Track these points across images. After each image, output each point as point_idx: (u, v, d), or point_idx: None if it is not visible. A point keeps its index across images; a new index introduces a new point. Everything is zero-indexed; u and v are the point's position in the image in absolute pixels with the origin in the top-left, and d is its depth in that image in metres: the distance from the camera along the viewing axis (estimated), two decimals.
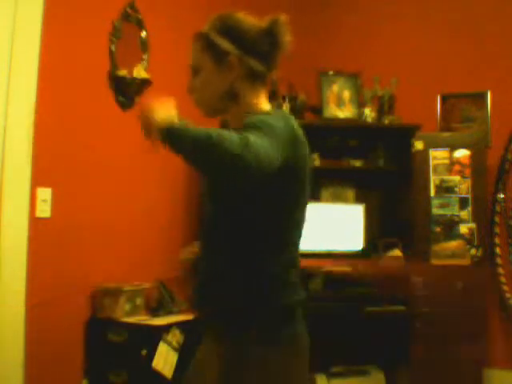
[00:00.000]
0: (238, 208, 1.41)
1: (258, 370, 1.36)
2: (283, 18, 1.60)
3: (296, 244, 1.48)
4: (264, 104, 1.57)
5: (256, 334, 1.37)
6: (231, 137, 1.20)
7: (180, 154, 1.25)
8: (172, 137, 1.25)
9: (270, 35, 1.56)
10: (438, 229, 3.54)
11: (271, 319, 1.39)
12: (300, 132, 1.55)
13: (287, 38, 1.61)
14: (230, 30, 1.51)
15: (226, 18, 1.54)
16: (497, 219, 3.71)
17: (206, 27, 1.53)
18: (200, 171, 1.35)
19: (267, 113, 1.53)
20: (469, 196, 3.55)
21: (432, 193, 3.57)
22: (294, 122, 1.54)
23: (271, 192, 1.38)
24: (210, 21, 1.54)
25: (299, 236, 1.48)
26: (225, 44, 1.49)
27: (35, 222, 2.56)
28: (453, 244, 3.53)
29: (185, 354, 2.77)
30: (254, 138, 1.23)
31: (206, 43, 1.51)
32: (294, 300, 1.43)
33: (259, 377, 1.36)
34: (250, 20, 1.56)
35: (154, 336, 2.70)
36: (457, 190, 3.56)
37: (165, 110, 1.32)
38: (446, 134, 3.77)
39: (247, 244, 1.41)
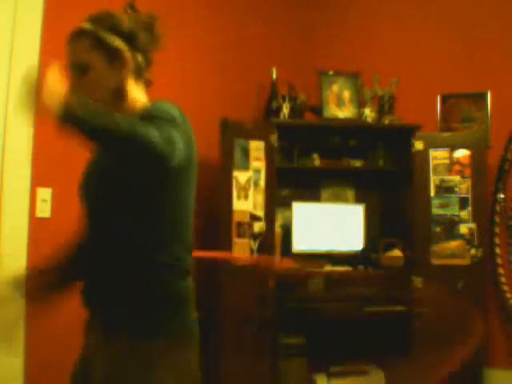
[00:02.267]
0: (137, 199, 1.42)
1: (153, 363, 1.37)
2: (156, 14, 1.61)
3: (190, 236, 1.52)
4: (146, 100, 1.60)
5: (148, 326, 1.39)
6: (143, 125, 1.27)
7: (84, 135, 1.30)
8: (74, 121, 1.29)
9: (150, 30, 1.57)
10: (438, 229, 3.54)
11: (163, 310, 1.41)
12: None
13: (160, 31, 1.61)
14: (115, 27, 1.51)
15: (107, 16, 1.52)
16: (497, 219, 3.71)
17: (88, 25, 1.50)
18: (107, 151, 1.36)
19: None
20: (469, 196, 3.55)
21: (432, 193, 3.57)
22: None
23: (174, 183, 1.44)
24: (91, 19, 1.51)
25: (191, 230, 1.53)
26: (116, 41, 1.50)
27: (35, 222, 2.56)
28: (453, 244, 3.53)
29: None
30: (161, 128, 1.30)
31: (94, 40, 1.48)
32: (185, 288, 1.47)
33: (151, 369, 1.37)
34: (129, 17, 1.57)
35: None
36: (457, 189, 3.56)
37: (56, 87, 1.32)
38: (446, 134, 3.77)
39: (143, 235, 1.43)
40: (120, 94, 1.52)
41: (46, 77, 1.33)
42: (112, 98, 1.51)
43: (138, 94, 1.57)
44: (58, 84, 1.32)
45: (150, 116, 1.36)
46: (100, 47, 1.48)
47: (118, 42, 1.50)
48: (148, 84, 1.64)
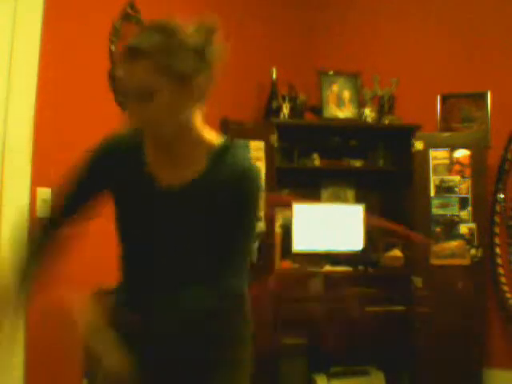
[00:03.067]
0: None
1: None
2: (215, 23, 1.46)
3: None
4: (204, 127, 1.49)
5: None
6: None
7: None
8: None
9: (212, 40, 1.41)
10: (438, 229, 3.54)
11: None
12: None
13: (221, 45, 1.42)
14: (181, 44, 1.34)
15: (171, 31, 1.36)
16: (497, 219, 3.71)
17: (151, 44, 1.31)
18: None
19: (244, 161, 1.44)
20: (469, 196, 3.55)
21: (432, 193, 3.57)
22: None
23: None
24: (151, 34, 1.34)
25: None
26: (180, 62, 1.32)
27: (35, 222, 2.56)
28: (453, 244, 3.53)
29: None
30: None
31: (157, 63, 1.29)
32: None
33: None
34: (190, 31, 1.40)
35: None
36: (457, 189, 3.56)
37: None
38: (446, 134, 3.77)
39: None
40: (187, 125, 1.40)
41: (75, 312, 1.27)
42: (179, 130, 1.38)
43: (198, 123, 1.45)
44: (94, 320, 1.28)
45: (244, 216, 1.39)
46: (167, 70, 1.30)
47: (187, 64, 1.32)
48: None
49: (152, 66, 1.29)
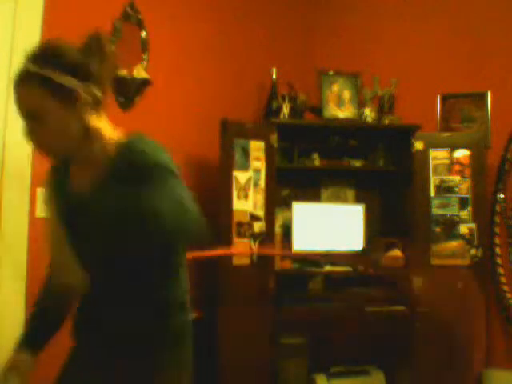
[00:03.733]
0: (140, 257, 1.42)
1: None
2: (98, 32, 1.46)
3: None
4: (111, 130, 1.47)
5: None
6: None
7: None
8: None
9: (96, 52, 1.42)
10: (438, 229, 3.54)
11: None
12: None
13: (109, 49, 1.45)
14: (60, 62, 1.37)
15: (50, 49, 1.39)
16: (497, 219, 3.71)
17: (32, 65, 1.35)
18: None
19: (148, 145, 1.42)
20: (469, 196, 3.55)
21: (432, 193, 3.57)
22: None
23: None
24: (33, 57, 1.37)
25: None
26: (67, 80, 1.36)
27: (35, 222, 2.56)
28: (453, 244, 3.53)
29: None
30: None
31: (46, 86, 1.34)
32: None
33: None
34: (69, 45, 1.43)
35: None
36: (457, 189, 3.56)
37: None
38: (446, 134, 3.77)
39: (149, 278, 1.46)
40: (86, 135, 1.41)
41: None
42: (78, 142, 1.41)
43: (105, 130, 1.45)
44: None
45: (148, 177, 1.33)
46: (53, 91, 1.34)
47: (67, 79, 1.36)
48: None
49: (37, 86, 1.34)
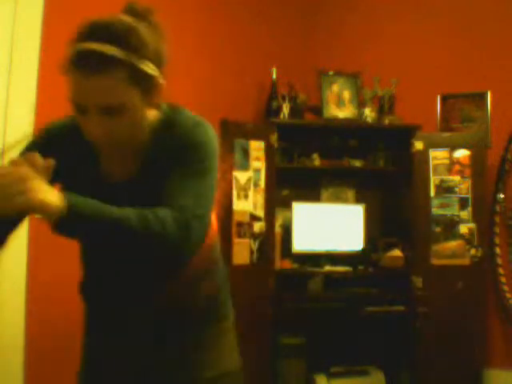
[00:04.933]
0: None
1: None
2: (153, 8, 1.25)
3: None
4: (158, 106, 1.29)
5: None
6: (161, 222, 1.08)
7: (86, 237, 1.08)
8: (74, 224, 1.02)
9: (156, 29, 1.22)
10: (438, 229, 3.54)
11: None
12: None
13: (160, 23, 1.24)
14: (143, 46, 1.15)
15: (130, 33, 1.15)
16: (497, 219, 3.71)
17: (118, 51, 1.10)
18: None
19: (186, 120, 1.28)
20: (469, 196, 3.55)
21: (432, 193, 3.57)
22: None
23: None
24: (114, 40, 1.11)
25: None
26: (151, 67, 1.16)
27: (35, 222, 2.56)
28: (453, 244, 3.53)
29: None
30: (192, 213, 1.12)
31: (133, 75, 1.12)
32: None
33: None
34: (136, 22, 1.18)
35: None
36: (457, 190, 3.56)
37: (38, 185, 0.99)
38: (446, 134, 3.77)
39: None
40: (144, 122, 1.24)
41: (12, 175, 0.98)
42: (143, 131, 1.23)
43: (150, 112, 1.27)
44: (33, 182, 0.99)
45: (182, 160, 1.18)
46: (136, 80, 1.13)
47: (151, 65, 1.16)
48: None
49: (125, 77, 1.11)
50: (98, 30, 1.14)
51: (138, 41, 1.14)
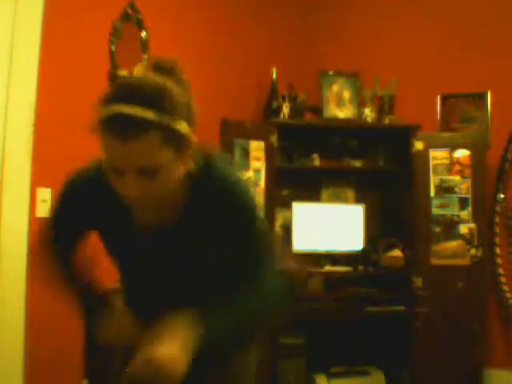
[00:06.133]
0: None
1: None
2: (174, 59, 1.27)
3: None
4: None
5: None
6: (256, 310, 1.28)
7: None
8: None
9: (184, 85, 1.23)
10: (437, 229, 3.54)
11: None
12: None
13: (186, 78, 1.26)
14: (174, 105, 1.15)
15: (162, 93, 1.14)
16: (497, 219, 3.71)
17: (152, 114, 1.10)
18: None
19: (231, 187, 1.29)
20: (469, 196, 3.55)
21: (432, 193, 3.57)
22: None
23: None
24: (148, 103, 1.10)
25: None
26: (184, 126, 1.16)
27: (35, 222, 2.56)
28: (453, 244, 3.53)
29: None
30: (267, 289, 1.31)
31: (167, 137, 1.12)
32: None
33: None
34: (166, 80, 1.19)
35: None
36: (457, 190, 3.56)
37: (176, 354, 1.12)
38: (446, 134, 3.77)
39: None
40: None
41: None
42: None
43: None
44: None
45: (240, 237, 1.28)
46: (171, 140, 1.13)
47: (183, 125, 1.15)
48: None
49: (160, 139, 1.11)
50: (130, 92, 1.12)
51: (170, 102, 1.13)
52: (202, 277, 1.33)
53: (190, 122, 1.18)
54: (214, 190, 1.27)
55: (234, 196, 1.28)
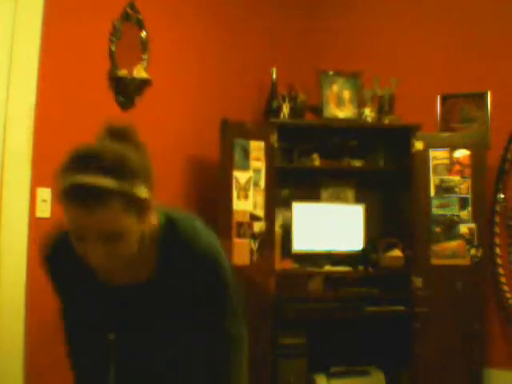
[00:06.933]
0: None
1: None
2: (127, 125, 1.26)
3: None
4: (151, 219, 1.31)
5: None
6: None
7: None
8: None
9: (139, 147, 1.23)
10: (437, 229, 3.54)
11: None
12: None
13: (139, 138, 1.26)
14: (134, 171, 1.17)
15: (116, 157, 1.15)
16: (497, 219, 3.71)
17: (111, 182, 1.12)
18: None
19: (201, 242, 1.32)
20: (469, 196, 3.55)
21: (432, 193, 3.57)
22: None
23: None
24: (107, 171, 1.12)
25: None
26: (144, 191, 1.18)
27: (35, 222, 2.56)
28: (453, 244, 3.53)
29: None
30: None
31: (128, 202, 1.15)
32: None
33: None
34: (122, 146, 1.20)
35: None
36: (457, 190, 3.56)
37: None
38: (446, 134, 3.77)
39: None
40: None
41: None
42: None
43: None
44: None
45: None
46: (132, 206, 1.16)
47: (143, 189, 1.18)
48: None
49: (121, 206, 1.14)
50: (90, 161, 1.13)
51: (129, 168, 1.16)
52: (174, 334, 1.36)
53: (149, 184, 1.21)
54: (185, 255, 1.30)
55: (209, 269, 1.31)
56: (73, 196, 1.12)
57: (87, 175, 1.11)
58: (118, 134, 1.22)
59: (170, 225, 1.32)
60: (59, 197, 1.15)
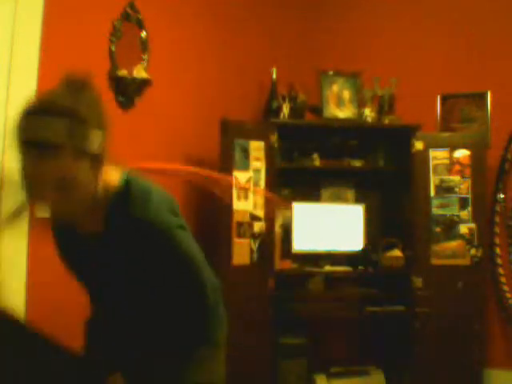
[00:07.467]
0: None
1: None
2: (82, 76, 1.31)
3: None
4: (111, 174, 1.38)
5: None
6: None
7: None
8: None
9: (94, 97, 1.31)
10: (437, 229, 3.54)
11: None
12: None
13: (96, 90, 1.33)
14: (86, 121, 1.24)
15: (66, 108, 1.22)
16: (497, 219, 3.71)
17: (59, 136, 1.19)
18: None
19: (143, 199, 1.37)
20: (469, 196, 3.55)
21: (432, 193, 3.57)
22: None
23: None
24: (51, 119, 1.20)
25: None
26: (97, 141, 1.25)
27: (35, 222, 2.56)
28: (453, 244, 3.53)
29: None
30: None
31: (79, 154, 1.23)
32: None
33: None
34: (72, 94, 1.27)
35: None
36: (457, 190, 3.56)
37: None
38: (446, 134, 3.77)
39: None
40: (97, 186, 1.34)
41: None
42: (93, 198, 1.33)
43: (106, 175, 1.36)
44: None
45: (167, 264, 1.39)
46: (83, 156, 1.24)
47: (96, 140, 1.25)
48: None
49: (70, 156, 1.21)
50: (40, 114, 1.22)
51: (80, 118, 1.22)
52: (135, 285, 1.42)
53: (102, 135, 1.27)
54: (124, 213, 1.35)
55: (143, 225, 1.34)
56: (25, 148, 1.23)
57: (38, 128, 1.21)
58: (75, 84, 1.27)
59: (125, 188, 1.37)
60: (17, 149, 1.26)
